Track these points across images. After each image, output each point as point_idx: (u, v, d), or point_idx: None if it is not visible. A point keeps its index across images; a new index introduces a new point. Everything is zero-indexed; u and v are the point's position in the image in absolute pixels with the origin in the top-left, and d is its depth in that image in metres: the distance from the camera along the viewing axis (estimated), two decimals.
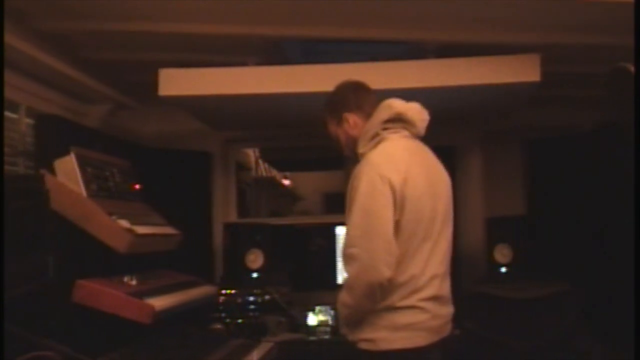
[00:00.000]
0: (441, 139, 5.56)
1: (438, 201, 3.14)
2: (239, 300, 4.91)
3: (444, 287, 3.15)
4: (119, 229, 3.33)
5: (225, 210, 5.99)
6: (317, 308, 4.77)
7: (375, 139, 3.26)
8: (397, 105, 3.31)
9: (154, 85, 4.25)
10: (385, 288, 2.95)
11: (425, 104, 4.23)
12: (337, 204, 5.12)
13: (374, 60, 4.23)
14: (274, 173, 9.61)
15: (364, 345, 3.09)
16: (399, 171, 3.02)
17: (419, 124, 3.35)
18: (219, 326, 4.54)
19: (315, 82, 4.23)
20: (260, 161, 8.40)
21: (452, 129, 5.75)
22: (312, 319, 4.74)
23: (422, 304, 3.01)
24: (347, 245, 3.05)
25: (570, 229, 5.11)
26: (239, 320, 4.78)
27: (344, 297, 3.12)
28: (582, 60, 4.31)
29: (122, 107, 5.15)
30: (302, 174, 10.26)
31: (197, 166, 5.82)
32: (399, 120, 3.28)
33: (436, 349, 3.08)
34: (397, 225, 2.97)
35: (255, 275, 5.14)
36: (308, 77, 4.24)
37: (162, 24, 3.85)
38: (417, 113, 3.36)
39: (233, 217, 6.03)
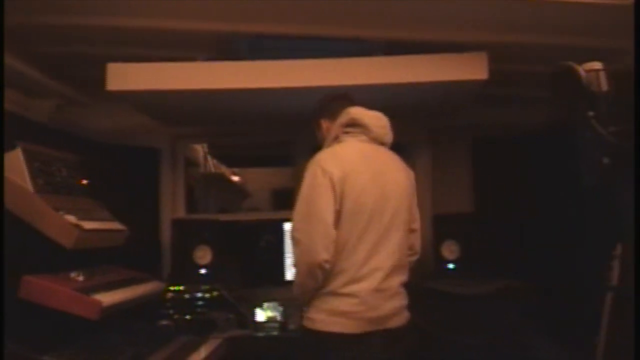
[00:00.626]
0: None
1: (387, 200, 3.38)
2: (187, 296, 4.88)
3: (391, 281, 3.33)
4: (66, 224, 3.31)
5: (173, 207, 5.94)
6: (265, 304, 4.76)
7: (335, 140, 3.61)
8: (353, 111, 3.61)
9: (103, 80, 4.21)
10: (328, 272, 3.25)
11: (373, 101, 4.27)
12: (285, 200, 5.16)
13: (322, 57, 4.23)
14: (223, 169, 9.57)
15: (305, 322, 3.41)
16: (340, 167, 3.32)
17: (376, 129, 3.60)
18: (166, 322, 4.51)
19: (263, 79, 4.24)
20: (209, 157, 8.36)
21: (400, 127, 5.74)
22: (261, 315, 4.73)
23: (360, 294, 3.23)
24: (292, 229, 3.41)
25: (517, 226, 5.19)
26: (187, 317, 4.75)
27: (294, 277, 3.47)
28: (530, 60, 4.36)
29: (71, 102, 5.09)
30: (251, 170, 10.23)
31: (146, 162, 5.80)
32: (357, 125, 3.58)
33: (375, 338, 3.25)
34: (338, 215, 3.26)
35: (203, 271, 5.12)
36: (256, 73, 4.24)
37: (110, 18, 3.82)
38: (373, 119, 3.64)
39: (181, 214, 5.99)
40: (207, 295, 4.92)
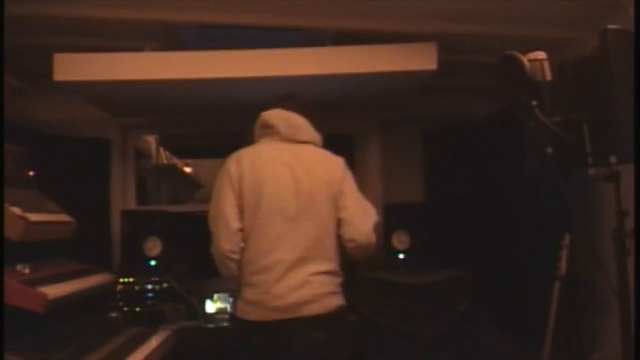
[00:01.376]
0: (339, 127, 5.63)
1: (293, 193, 3.49)
2: (137, 288, 4.85)
3: (299, 271, 3.42)
4: (11, 216, 3.26)
5: (124, 198, 5.91)
6: (215, 295, 4.74)
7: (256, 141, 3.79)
8: (265, 114, 3.78)
9: (50, 70, 4.17)
10: (240, 262, 3.49)
11: (322, 92, 4.30)
12: None
13: (270, 47, 4.22)
14: (175, 160, 9.51)
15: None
16: (239, 165, 3.55)
17: (283, 129, 3.67)
18: (115, 315, 4.48)
19: (211, 69, 4.25)
20: (160, 149, 8.30)
21: (351, 117, 5.80)
22: (210, 307, 4.72)
23: (263, 284, 3.41)
24: None
25: (467, 215, 5.22)
26: (137, 309, 4.73)
27: None
28: (479, 50, 4.38)
29: (18, 93, 5.03)
30: (204, 161, 10.18)
31: (95, 153, 5.75)
32: (267, 127, 3.72)
33: (285, 326, 3.37)
34: (241, 208, 3.49)
35: (153, 263, 5.07)
36: (204, 64, 4.24)
37: (56, 7, 3.80)
38: (282, 120, 3.71)
39: (132, 205, 5.95)
40: (157, 287, 4.89)
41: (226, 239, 3.48)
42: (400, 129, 5.88)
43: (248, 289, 3.48)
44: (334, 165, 3.71)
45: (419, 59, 4.19)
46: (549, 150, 2.78)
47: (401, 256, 5.13)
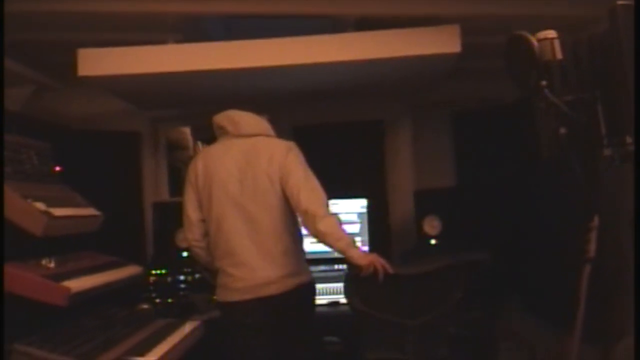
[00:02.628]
0: (370, 114, 5.61)
1: (240, 182, 3.78)
2: (169, 279, 4.88)
3: (256, 255, 3.70)
4: (35, 211, 3.28)
5: (156, 190, 5.95)
6: None
7: None
8: (214, 117, 4.09)
9: (77, 65, 4.20)
10: (210, 251, 3.89)
11: (348, 78, 4.27)
12: None
13: (293, 35, 4.21)
14: None
15: None
16: (195, 164, 3.94)
17: (229, 127, 3.96)
18: (146, 306, 4.49)
19: (235, 59, 4.24)
20: (196, 140, 8.33)
21: (381, 103, 5.77)
22: None
23: (228, 269, 3.75)
24: None
25: (497, 199, 5.17)
26: (169, 300, 4.76)
27: None
28: (502, 31, 4.32)
29: (46, 89, 5.08)
30: None
31: (126, 146, 5.79)
32: (218, 128, 4.06)
33: (252, 305, 3.67)
34: (200, 202, 3.89)
35: (185, 254, 5.09)
36: (228, 54, 4.24)
37: (79, 3, 3.82)
38: (225, 119, 4.01)
39: (165, 197, 6.00)
40: (189, 277, 4.93)
41: (189, 230, 3.95)
42: (430, 114, 5.83)
43: (220, 274, 3.84)
44: (277, 148, 3.87)
45: (442, 42, 4.16)
46: (562, 131, 2.74)
47: (433, 242, 5.12)
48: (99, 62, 4.22)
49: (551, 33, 2.83)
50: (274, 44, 4.22)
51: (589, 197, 3.23)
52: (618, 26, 2.57)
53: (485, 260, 4.72)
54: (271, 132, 4.02)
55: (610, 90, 2.64)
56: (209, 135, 8.18)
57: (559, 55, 2.78)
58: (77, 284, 3.22)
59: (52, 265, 3.39)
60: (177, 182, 6.60)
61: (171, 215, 5.22)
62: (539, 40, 2.81)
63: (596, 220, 3.26)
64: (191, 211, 3.92)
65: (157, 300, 4.75)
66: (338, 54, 4.21)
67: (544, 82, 2.73)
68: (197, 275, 4.93)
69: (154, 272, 4.91)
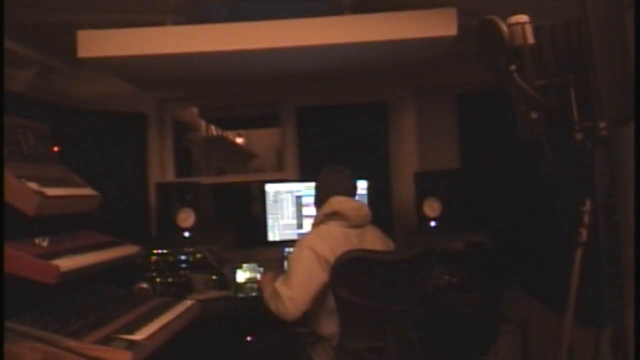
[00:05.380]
0: (373, 95, 5.63)
1: None
2: (171, 259, 4.93)
3: None
4: (27, 191, 3.32)
5: (162, 171, 6.00)
6: (245, 265, 4.80)
7: None
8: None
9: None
10: None
11: (347, 60, 4.31)
12: None
13: (289, 17, 4.23)
14: (227, 132, 9.62)
15: None
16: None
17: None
18: (144, 285, 4.55)
19: (234, 41, 4.27)
20: (204, 121, 8.40)
21: (385, 85, 5.78)
22: (241, 276, 4.78)
23: None
24: None
25: (498, 181, 5.18)
26: (170, 279, 4.81)
27: None
28: (499, 14, 4.32)
29: (52, 71, 5.13)
30: (257, 132, 10.25)
31: (132, 127, 5.85)
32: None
33: None
34: None
35: (187, 234, 5.15)
36: (227, 36, 4.26)
37: None
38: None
39: (170, 178, 6.05)
40: (190, 257, 4.97)
41: None
42: (434, 95, 5.83)
43: None
44: None
45: (439, 25, 4.17)
46: (534, 115, 2.76)
47: (432, 223, 5.14)
48: (99, 43, 4.26)
49: (523, 17, 2.83)
50: (272, 25, 4.24)
51: (579, 181, 3.25)
52: (585, 8, 2.57)
53: (484, 243, 4.77)
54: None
55: (583, 75, 2.65)
56: (215, 115, 8.32)
57: (530, 39, 2.78)
58: (67, 263, 3.25)
59: (45, 244, 3.42)
60: (186, 163, 6.68)
61: (174, 196, 5.28)
62: (510, 25, 2.82)
63: (588, 204, 3.27)
64: None
65: (158, 280, 4.78)
66: (334, 36, 4.22)
67: (513, 67, 2.74)
68: (198, 256, 4.97)
69: (155, 251, 4.93)
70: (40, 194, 3.36)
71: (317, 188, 4.26)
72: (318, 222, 4.07)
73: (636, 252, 2.88)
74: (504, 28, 2.80)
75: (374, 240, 3.96)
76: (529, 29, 2.79)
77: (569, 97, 2.70)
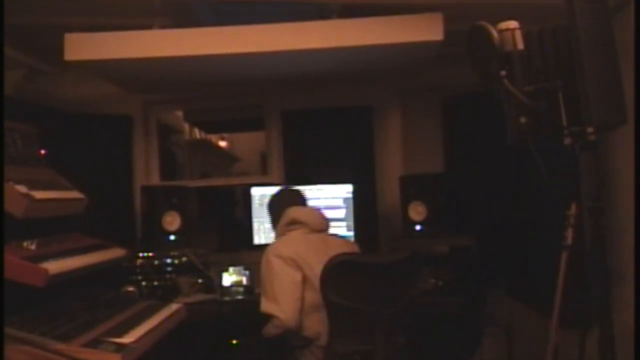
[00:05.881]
0: (358, 99, 5.65)
1: None
2: (156, 262, 4.93)
3: None
4: (15, 194, 3.31)
5: (147, 174, 5.99)
6: (231, 268, 4.80)
7: None
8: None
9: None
10: None
11: (334, 64, 4.31)
12: None
13: (276, 21, 4.24)
14: (211, 135, 9.61)
15: None
16: None
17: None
18: (131, 289, 4.55)
19: (222, 45, 4.28)
20: (188, 124, 8.39)
21: (369, 89, 5.80)
22: (227, 280, 4.78)
23: None
24: None
25: (483, 185, 5.21)
26: (155, 283, 4.81)
27: None
28: (486, 19, 4.34)
29: (38, 73, 5.12)
30: (241, 135, 10.25)
31: (118, 130, 5.84)
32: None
33: None
34: None
35: (172, 237, 5.15)
36: (214, 39, 4.28)
37: None
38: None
39: (155, 181, 6.03)
40: (175, 261, 4.97)
41: None
42: (419, 99, 5.85)
43: None
44: None
45: (425, 30, 4.19)
46: (523, 120, 2.79)
47: (418, 227, 5.16)
48: (86, 46, 4.26)
49: (513, 23, 2.87)
50: (259, 30, 4.26)
51: (560, 186, 3.28)
52: (574, 15, 2.60)
53: (469, 246, 4.80)
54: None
55: (571, 80, 2.68)
56: (200, 118, 8.32)
57: (520, 45, 2.82)
58: (55, 266, 3.24)
59: (33, 247, 3.41)
60: (170, 166, 6.68)
61: (160, 199, 5.28)
62: (500, 31, 2.85)
63: (573, 208, 3.30)
64: None
65: (144, 283, 4.78)
66: (322, 40, 4.24)
67: (503, 72, 2.77)
68: (183, 259, 4.97)
69: (140, 254, 4.93)
70: (28, 196, 3.35)
71: (270, 208, 4.39)
72: (279, 234, 4.17)
73: (636, 252, 2.90)
74: (495, 34, 2.82)
75: (338, 244, 4.01)
76: (518, 35, 2.82)
77: (557, 102, 2.73)
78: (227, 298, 4.70)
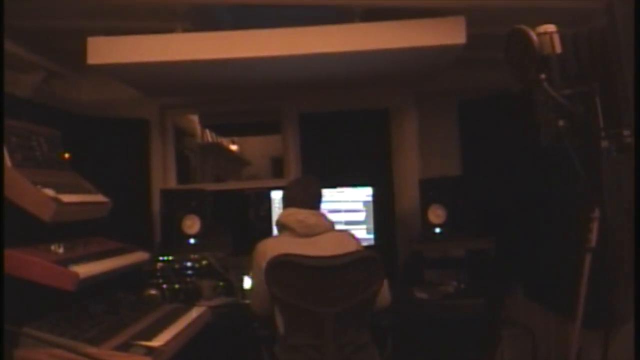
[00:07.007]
0: (375, 102, 5.66)
1: None
2: (176, 266, 4.93)
3: None
4: (44, 197, 3.33)
5: (164, 177, 6.00)
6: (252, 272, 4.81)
7: None
8: None
9: (86, 53, 4.24)
10: None
11: (354, 68, 4.30)
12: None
13: (301, 24, 4.24)
14: (222, 139, 9.63)
15: None
16: None
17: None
18: (153, 292, 4.55)
19: (243, 48, 4.27)
20: (204, 127, 8.41)
21: (386, 92, 5.80)
22: (248, 283, 4.78)
23: None
24: None
25: (502, 187, 5.21)
26: (176, 286, 4.81)
27: None
28: (507, 22, 4.35)
29: (56, 76, 5.13)
30: (252, 139, 10.27)
31: (135, 133, 5.84)
32: None
33: None
34: None
35: (192, 241, 5.16)
36: (236, 43, 4.27)
37: None
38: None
39: (172, 184, 6.04)
40: (196, 264, 4.97)
41: None
42: (436, 102, 5.86)
43: None
44: None
45: (447, 33, 4.18)
46: (561, 123, 2.79)
47: (437, 230, 5.16)
48: (109, 50, 4.26)
49: (551, 27, 2.87)
50: (282, 33, 4.25)
51: (589, 188, 3.28)
52: (615, 20, 2.61)
53: (489, 249, 4.81)
54: None
55: (608, 83, 2.69)
56: (217, 122, 8.34)
57: (558, 49, 2.82)
58: (85, 269, 3.27)
59: (61, 250, 3.44)
60: (185, 170, 6.69)
61: (178, 202, 5.29)
62: (539, 34, 2.85)
63: (597, 211, 3.31)
64: None
65: (164, 286, 4.77)
66: (344, 44, 4.24)
67: (543, 76, 2.77)
68: (203, 262, 4.97)
69: (161, 258, 4.93)
70: (56, 200, 3.37)
71: (282, 201, 4.42)
72: (278, 230, 4.27)
73: (636, 253, 2.90)
74: (534, 37, 2.83)
75: (324, 246, 3.97)
76: (556, 39, 2.82)
77: (594, 105, 2.73)
78: (248, 301, 4.69)
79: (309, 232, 4.04)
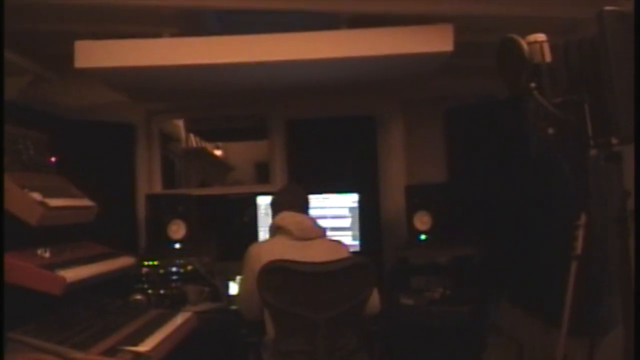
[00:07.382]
0: (361, 109, 5.67)
1: None
2: (162, 271, 4.92)
3: None
4: (31, 201, 3.31)
5: (149, 182, 5.98)
6: (238, 277, 4.80)
7: None
8: None
9: (72, 57, 4.23)
10: None
11: (341, 74, 4.30)
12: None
13: (288, 30, 4.24)
14: (206, 144, 9.59)
15: None
16: None
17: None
18: (139, 297, 4.54)
19: (230, 53, 4.27)
20: (188, 132, 8.37)
21: (372, 99, 5.82)
22: (234, 288, 4.78)
23: None
24: None
25: (488, 194, 5.23)
26: (161, 291, 4.80)
27: None
28: (495, 30, 4.36)
29: (42, 80, 5.11)
30: (236, 144, 10.23)
31: (120, 138, 5.83)
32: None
33: None
34: None
35: (177, 245, 5.16)
36: (223, 48, 4.26)
37: None
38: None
39: (158, 189, 6.02)
40: (181, 269, 4.97)
41: None
42: (422, 109, 5.88)
43: None
44: None
45: (435, 41, 4.19)
46: (550, 131, 2.81)
47: (423, 237, 5.18)
48: (96, 54, 4.24)
49: (541, 36, 2.89)
50: (269, 39, 4.25)
51: (576, 196, 3.30)
52: (605, 30, 2.63)
53: (474, 256, 4.82)
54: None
55: (597, 93, 2.71)
56: (203, 127, 8.31)
57: (548, 58, 2.84)
58: (72, 274, 3.24)
59: (47, 255, 3.41)
60: (170, 175, 6.67)
61: (164, 207, 5.28)
62: (529, 43, 2.87)
63: (583, 219, 3.33)
64: None
65: (150, 291, 4.76)
66: (331, 50, 4.24)
67: (533, 84, 2.79)
68: (189, 267, 4.97)
69: (146, 263, 4.92)
70: (43, 204, 3.35)
71: (272, 206, 4.45)
72: (270, 234, 4.28)
73: (636, 253, 2.92)
74: (525, 46, 2.84)
75: (317, 252, 3.99)
76: (546, 48, 2.84)
77: (583, 114, 2.75)
78: (234, 307, 4.69)
79: (305, 235, 4.06)
